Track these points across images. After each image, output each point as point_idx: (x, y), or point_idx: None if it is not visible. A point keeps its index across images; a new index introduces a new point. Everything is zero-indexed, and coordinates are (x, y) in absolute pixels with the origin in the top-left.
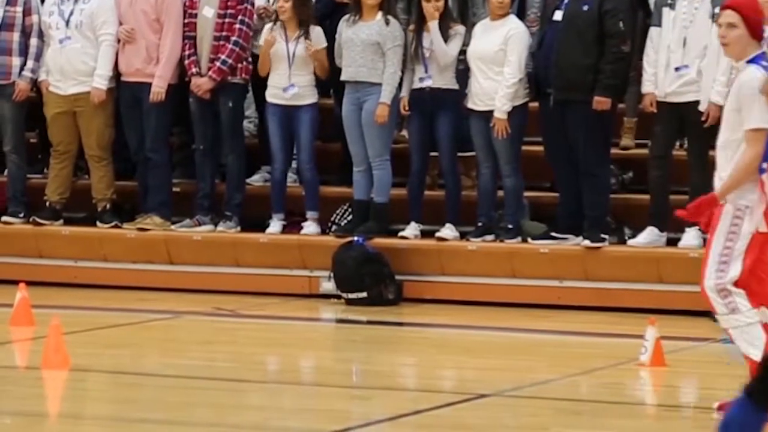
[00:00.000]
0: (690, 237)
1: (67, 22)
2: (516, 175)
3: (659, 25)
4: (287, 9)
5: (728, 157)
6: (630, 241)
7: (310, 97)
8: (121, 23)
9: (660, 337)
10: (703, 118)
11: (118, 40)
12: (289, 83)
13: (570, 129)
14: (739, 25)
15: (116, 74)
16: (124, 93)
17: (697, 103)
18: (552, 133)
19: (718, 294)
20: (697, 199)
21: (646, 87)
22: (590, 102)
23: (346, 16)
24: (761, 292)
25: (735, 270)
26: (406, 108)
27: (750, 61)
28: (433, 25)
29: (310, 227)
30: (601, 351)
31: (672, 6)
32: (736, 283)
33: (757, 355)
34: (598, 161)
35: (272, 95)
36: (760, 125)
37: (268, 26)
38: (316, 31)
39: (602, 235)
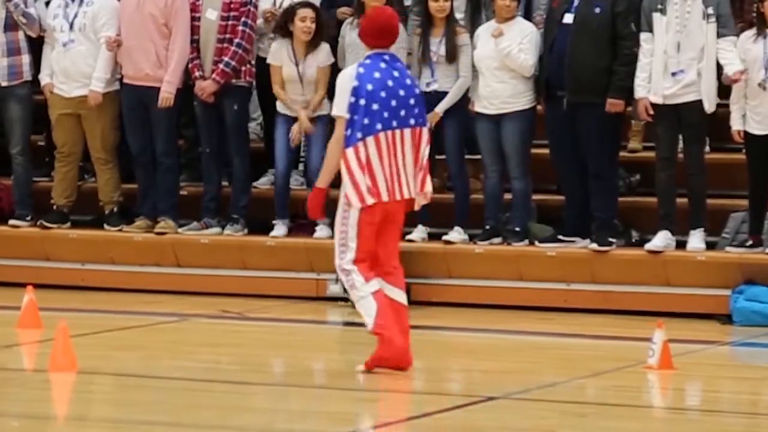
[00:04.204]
0: (696, 240)
1: (71, 25)
2: (524, 177)
3: (649, 30)
4: (312, 30)
5: None
6: (647, 245)
7: (322, 108)
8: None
9: (668, 339)
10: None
11: (118, 44)
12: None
13: (582, 131)
14: None
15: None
16: (128, 96)
17: (693, 103)
18: (561, 136)
19: (342, 273)
20: (309, 200)
21: (639, 92)
22: (604, 104)
23: (350, 20)
24: (384, 255)
25: (351, 253)
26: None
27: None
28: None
29: (321, 231)
30: (608, 354)
31: (663, 11)
32: (360, 260)
33: (370, 324)
34: (607, 164)
35: (285, 108)
36: (337, 113)
37: (275, 45)
38: (325, 50)
39: (610, 239)
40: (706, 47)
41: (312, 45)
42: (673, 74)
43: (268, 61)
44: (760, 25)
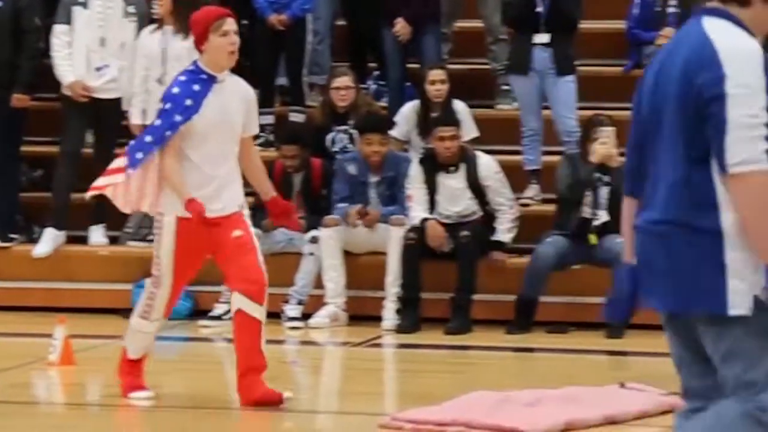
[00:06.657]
0: (98, 235)
1: None
2: None
3: (67, 23)
4: None
5: None
6: (35, 252)
7: None
8: None
9: (69, 335)
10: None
11: None
12: None
13: None
14: None
15: None
16: None
17: (114, 100)
18: None
19: None
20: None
21: (68, 78)
22: (8, 99)
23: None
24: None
25: None
26: None
27: None
28: None
29: None
30: (11, 351)
31: (84, 5)
32: None
33: None
34: (10, 160)
35: None
36: None
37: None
38: None
39: (11, 235)
40: (127, 44)
41: None
42: (98, 69)
43: None
44: (159, 20)
